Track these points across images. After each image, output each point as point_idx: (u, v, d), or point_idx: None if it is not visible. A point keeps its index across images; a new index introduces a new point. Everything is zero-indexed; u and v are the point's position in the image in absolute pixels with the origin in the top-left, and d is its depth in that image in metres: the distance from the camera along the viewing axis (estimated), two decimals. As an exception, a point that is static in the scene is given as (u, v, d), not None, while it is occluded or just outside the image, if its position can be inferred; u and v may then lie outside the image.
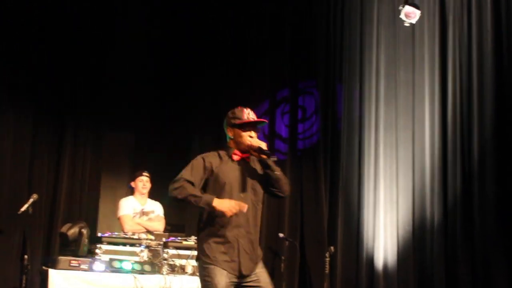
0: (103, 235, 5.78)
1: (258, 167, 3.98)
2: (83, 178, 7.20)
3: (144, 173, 6.51)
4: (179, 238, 5.83)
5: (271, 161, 3.90)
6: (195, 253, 4.84)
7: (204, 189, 3.88)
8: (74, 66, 7.18)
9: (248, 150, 3.94)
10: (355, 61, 7.85)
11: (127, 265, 5.50)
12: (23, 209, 5.64)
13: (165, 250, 5.67)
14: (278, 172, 3.92)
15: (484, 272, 7.19)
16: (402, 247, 7.45)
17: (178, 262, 5.64)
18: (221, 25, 7.78)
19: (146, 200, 6.52)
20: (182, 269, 5.63)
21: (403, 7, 7.27)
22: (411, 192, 7.57)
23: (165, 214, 6.56)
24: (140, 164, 7.25)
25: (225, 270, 3.76)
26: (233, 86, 7.66)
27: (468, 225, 7.35)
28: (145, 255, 5.62)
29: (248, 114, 3.97)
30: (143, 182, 6.48)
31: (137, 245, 5.69)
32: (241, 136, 3.94)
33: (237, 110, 4.01)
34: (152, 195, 6.60)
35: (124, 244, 5.67)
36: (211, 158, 3.93)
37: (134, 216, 6.36)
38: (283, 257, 7.14)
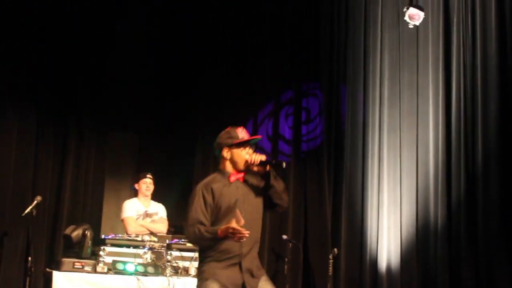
0: (106, 237, 5.80)
1: (255, 185, 3.96)
2: (86, 180, 7.18)
3: (148, 175, 6.52)
4: (183, 240, 5.82)
5: (273, 173, 3.87)
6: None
7: None
8: (74, 66, 7.16)
9: (248, 167, 3.91)
10: (359, 62, 7.83)
11: (130, 267, 5.51)
12: (27, 211, 5.63)
13: (169, 252, 5.67)
14: (281, 183, 3.92)
15: (488, 275, 7.17)
16: (406, 249, 7.43)
17: (181, 264, 5.65)
18: (221, 25, 7.76)
19: (150, 202, 6.53)
20: (186, 271, 5.64)
21: (408, 9, 7.26)
22: (415, 193, 7.55)
23: (169, 216, 6.57)
24: (143, 166, 7.25)
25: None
26: (233, 86, 7.65)
27: (471, 227, 7.33)
28: (148, 257, 5.63)
29: (242, 133, 3.96)
30: (147, 184, 6.49)
31: (141, 247, 5.70)
32: (239, 155, 3.91)
33: (230, 130, 3.97)
34: (156, 196, 6.61)
35: (128, 246, 5.69)
36: (211, 185, 3.88)
37: (137, 218, 6.37)
38: (286, 259, 7.13)
